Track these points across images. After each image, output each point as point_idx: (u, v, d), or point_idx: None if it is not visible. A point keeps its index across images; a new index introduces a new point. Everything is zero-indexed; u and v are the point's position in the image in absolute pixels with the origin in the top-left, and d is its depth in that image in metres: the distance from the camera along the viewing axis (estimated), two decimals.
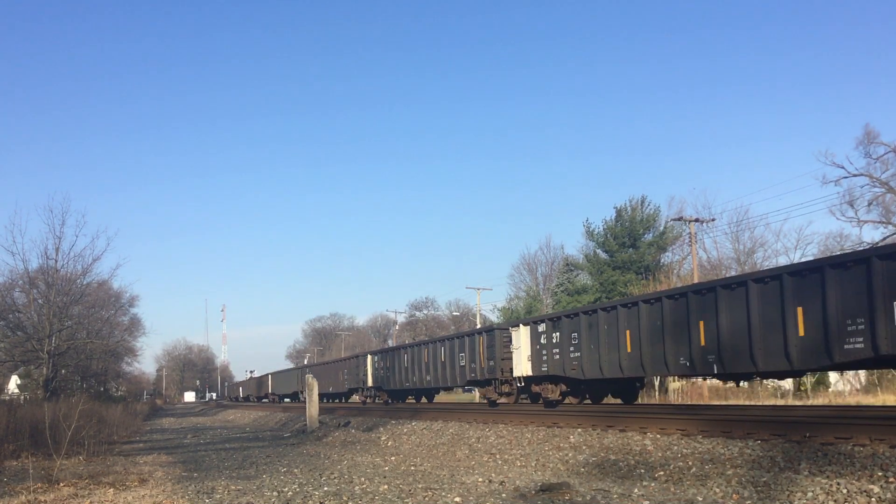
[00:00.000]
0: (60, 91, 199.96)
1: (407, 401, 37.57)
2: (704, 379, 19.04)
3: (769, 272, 15.98)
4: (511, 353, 25.07)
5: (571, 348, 21.93)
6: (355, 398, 40.21)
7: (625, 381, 22.20)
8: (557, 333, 22.80)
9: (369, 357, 39.03)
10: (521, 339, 24.58)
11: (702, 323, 17.02)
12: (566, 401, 23.65)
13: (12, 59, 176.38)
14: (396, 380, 34.99)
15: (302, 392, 48.39)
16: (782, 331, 14.96)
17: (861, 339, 13.58)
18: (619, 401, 24.36)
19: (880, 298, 13.04)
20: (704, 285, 17.65)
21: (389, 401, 37.02)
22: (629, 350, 19.49)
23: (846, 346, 13.86)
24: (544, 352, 23.29)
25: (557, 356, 22.63)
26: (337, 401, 44.05)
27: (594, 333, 20.93)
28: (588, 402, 23.99)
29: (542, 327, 23.67)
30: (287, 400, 55.37)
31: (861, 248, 15.63)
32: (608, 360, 20.31)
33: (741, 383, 20.89)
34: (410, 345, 36.59)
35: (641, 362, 19.06)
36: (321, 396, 38.84)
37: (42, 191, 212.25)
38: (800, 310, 14.68)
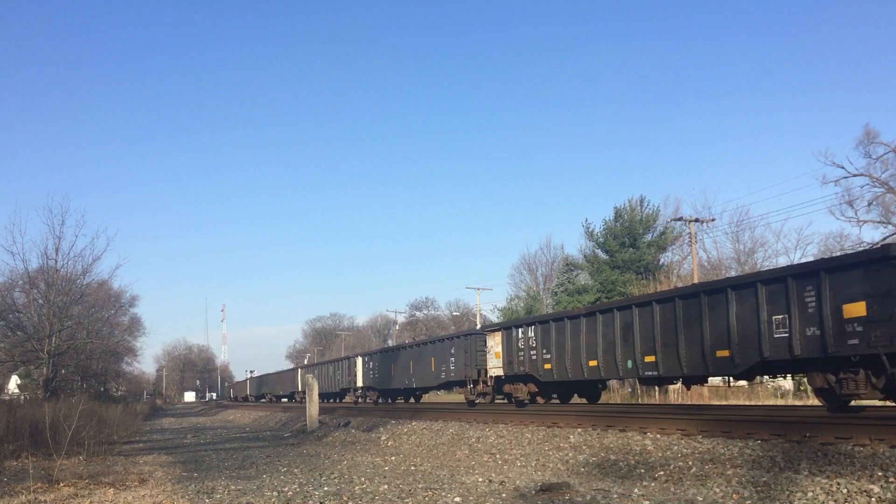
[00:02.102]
0: (60, 91, 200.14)
1: (329, 402, 51.57)
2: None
3: (444, 336, 35.56)
4: (356, 372, 42.01)
5: (377, 372, 39.15)
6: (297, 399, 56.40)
7: (405, 389, 36.66)
8: (371, 363, 40.41)
9: (298, 370, 57.82)
10: (359, 364, 42.14)
11: (412, 363, 34.21)
12: (381, 399, 40.17)
13: (12, 59, 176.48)
14: (344, 384, 51.32)
15: (267, 394, 69.79)
16: (431, 368, 32.06)
17: (452, 371, 29.98)
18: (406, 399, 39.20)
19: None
20: (415, 342, 37.96)
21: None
22: (412, 371, 34.51)
23: (441, 376, 30.69)
24: (368, 373, 40.77)
25: (371, 375, 40.10)
26: (286, 400, 61.06)
27: (384, 363, 38.12)
28: (401, 401, 38.71)
29: (366, 358, 41.78)
30: (264, 400, 70.05)
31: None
32: (394, 377, 36.60)
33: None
34: (321, 363, 57.52)
35: (405, 380, 35.02)
36: (278, 398, 64.48)
37: (42, 191, 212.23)
38: (432, 359, 31.88)
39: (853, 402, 14.91)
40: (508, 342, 24.83)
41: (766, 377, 18.53)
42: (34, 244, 65.47)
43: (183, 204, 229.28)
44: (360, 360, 42.00)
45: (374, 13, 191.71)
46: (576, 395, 24.93)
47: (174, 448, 20.37)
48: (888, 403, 15.09)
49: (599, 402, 24.66)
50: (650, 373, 18.14)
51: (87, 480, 11.74)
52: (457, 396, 43.88)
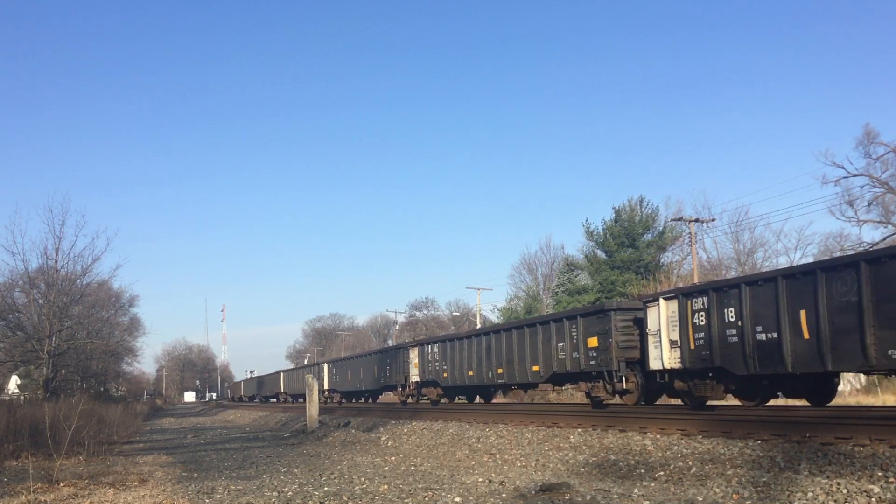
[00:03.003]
0: (60, 91, 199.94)
1: (300, 401, 58.41)
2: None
3: (382, 349, 46.17)
4: (323, 376, 47.98)
5: (339, 377, 45.77)
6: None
7: (356, 391, 42.91)
8: (335, 370, 47.41)
9: (281, 374, 66.13)
10: (325, 370, 48.49)
11: (362, 369, 40.56)
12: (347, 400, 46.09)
13: (12, 59, 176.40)
14: (292, 389, 58.93)
15: (257, 395, 77.52)
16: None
17: (388, 377, 36.08)
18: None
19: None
20: (363, 353, 47.21)
21: (291, 399, 58.42)
22: (362, 377, 40.66)
23: (381, 381, 37.24)
24: (332, 377, 47.29)
25: (335, 379, 46.74)
26: (273, 400, 66.77)
27: (343, 369, 44.97)
28: (361, 401, 43.75)
29: (330, 366, 48.91)
30: (256, 400, 77.10)
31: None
32: (350, 381, 42.97)
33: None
34: (296, 368, 66.89)
35: (356, 384, 41.43)
36: (266, 398, 71.54)
37: (42, 191, 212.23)
38: (375, 367, 38.24)
39: (604, 402, 20.66)
40: (422, 355, 31.75)
41: (566, 385, 24.97)
42: (34, 244, 65.16)
43: (183, 204, 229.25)
44: (326, 367, 49.72)
45: (375, 13, 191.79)
46: (478, 396, 31.21)
47: (174, 448, 20.37)
48: (623, 402, 20.19)
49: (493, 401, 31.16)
50: (500, 381, 25.45)
51: (87, 480, 11.75)
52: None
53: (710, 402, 17.65)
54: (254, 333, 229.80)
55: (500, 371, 24.96)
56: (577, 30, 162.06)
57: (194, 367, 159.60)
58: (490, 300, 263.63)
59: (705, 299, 16.48)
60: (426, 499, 9.14)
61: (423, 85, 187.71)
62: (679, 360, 17.10)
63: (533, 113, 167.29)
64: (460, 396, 31.45)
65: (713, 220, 45.97)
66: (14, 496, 10.27)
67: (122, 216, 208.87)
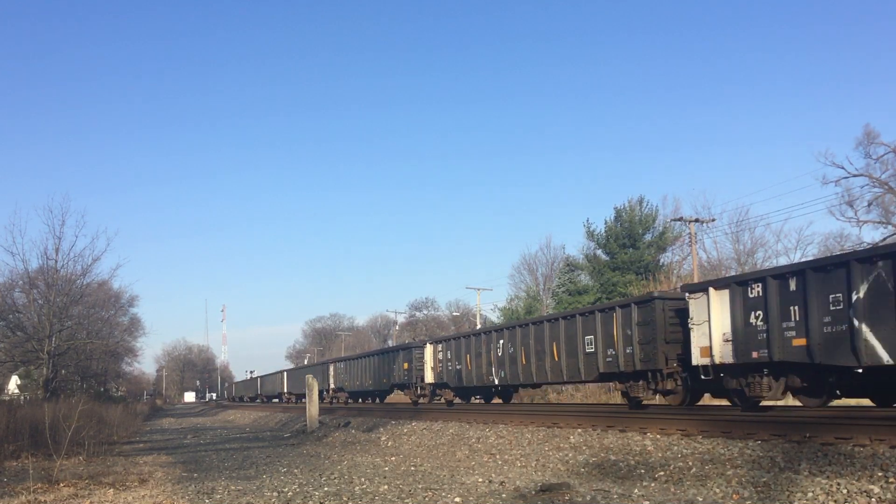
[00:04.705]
0: (60, 91, 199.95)
1: (272, 402, 66.06)
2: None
3: (316, 363, 64.08)
4: (283, 382, 58.64)
5: (291, 382, 55.41)
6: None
7: (301, 394, 46.33)
8: (291, 376, 57.29)
9: (258, 379, 77.16)
10: (284, 376, 59.28)
11: (301, 377, 45.17)
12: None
13: (12, 59, 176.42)
14: (266, 391, 70.32)
15: (244, 395, 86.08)
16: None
17: (322, 386, 44.47)
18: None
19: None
20: (306, 366, 66.94)
21: (266, 399, 68.43)
22: (299, 383, 48.33)
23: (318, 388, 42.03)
24: (289, 382, 57.91)
25: (290, 384, 55.47)
26: (259, 401, 72.22)
27: (293, 376, 55.71)
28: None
29: (288, 373, 58.24)
30: (246, 400, 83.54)
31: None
32: (298, 386, 49.48)
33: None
34: (267, 375, 74.63)
35: (301, 387, 44.14)
36: (252, 399, 79.08)
37: (42, 191, 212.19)
38: (310, 376, 38.55)
39: (417, 402, 32.70)
40: (335, 369, 45.71)
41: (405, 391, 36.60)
42: (34, 244, 65.25)
43: (183, 204, 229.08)
44: (285, 374, 62.19)
45: (375, 13, 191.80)
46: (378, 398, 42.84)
47: (174, 448, 20.37)
48: (422, 402, 32.79)
49: (386, 401, 42.11)
50: (370, 388, 39.47)
51: (87, 481, 11.75)
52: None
53: (456, 402, 30.24)
54: (254, 333, 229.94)
55: (369, 382, 39.25)
56: (577, 30, 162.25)
57: (194, 368, 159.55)
58: (490, 300, 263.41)
59: (442, 346, 31.29)
60: (426, 499, 9.15)
61: (423, 85, 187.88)
62: (434, 378, 31.58)
63: (533, 113, 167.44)
64: (366, 399, 43.14)
65: (713, 220, 45.99)
66: (14, 496, 10.27)
67: (122, 216, 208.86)
